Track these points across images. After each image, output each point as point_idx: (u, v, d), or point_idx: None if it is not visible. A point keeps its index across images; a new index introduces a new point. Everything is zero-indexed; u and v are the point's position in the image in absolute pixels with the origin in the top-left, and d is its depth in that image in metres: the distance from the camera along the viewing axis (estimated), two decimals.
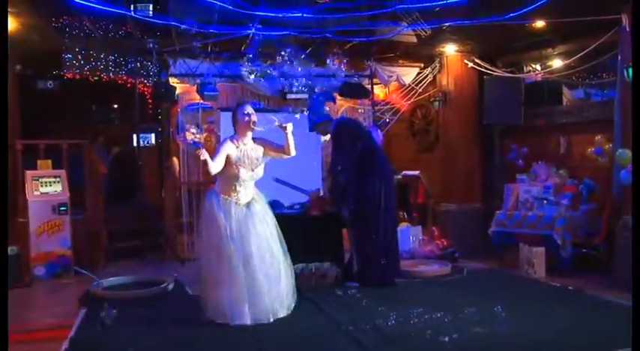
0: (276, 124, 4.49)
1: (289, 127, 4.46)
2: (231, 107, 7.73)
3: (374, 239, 5.44)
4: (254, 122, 4.49)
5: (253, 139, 4.58)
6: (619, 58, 5.70)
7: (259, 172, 4.56)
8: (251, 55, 7.11)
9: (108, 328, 4.10)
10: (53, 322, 4.55)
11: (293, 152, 4.58)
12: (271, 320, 4.29)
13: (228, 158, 4.40)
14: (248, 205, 4.50)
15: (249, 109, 4.54)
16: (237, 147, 4.47)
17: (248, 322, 4.20)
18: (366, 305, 4.73)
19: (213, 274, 4.34)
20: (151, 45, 6.94)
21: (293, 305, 4.53)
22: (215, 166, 4.27)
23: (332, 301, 4.85)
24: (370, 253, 5.47)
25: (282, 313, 4.41)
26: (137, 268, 6.55)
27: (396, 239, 5.80)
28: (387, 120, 8.39)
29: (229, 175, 4.42)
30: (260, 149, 4.59)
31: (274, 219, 4.63)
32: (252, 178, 4.52)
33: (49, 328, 4.45)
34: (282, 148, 4.58)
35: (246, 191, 4.52)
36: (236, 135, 4.55)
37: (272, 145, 4.64)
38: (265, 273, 4.35)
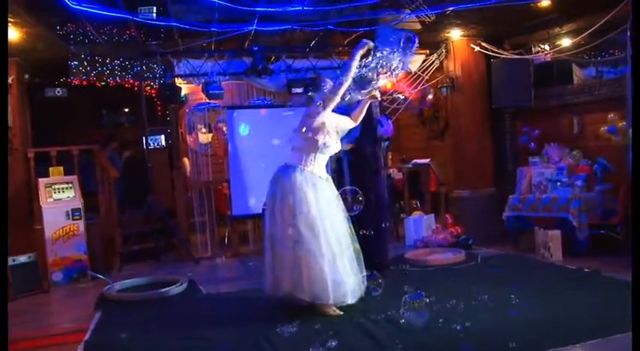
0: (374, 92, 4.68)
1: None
2: (237, 105, 7.81)
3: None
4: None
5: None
6: (628, 33, 5.56)
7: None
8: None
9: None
10: (70, 327, 4.59)
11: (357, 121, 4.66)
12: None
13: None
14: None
15: None
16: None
17: (349, 301, 4.11)
18: (378, 296, 4.69)
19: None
20: (155, 47, 6.98)
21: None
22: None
23: None
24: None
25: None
26: (152, 270, 6.60)
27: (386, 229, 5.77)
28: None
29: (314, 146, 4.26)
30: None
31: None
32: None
33: (67, 332, 4.49)
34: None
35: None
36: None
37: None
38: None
